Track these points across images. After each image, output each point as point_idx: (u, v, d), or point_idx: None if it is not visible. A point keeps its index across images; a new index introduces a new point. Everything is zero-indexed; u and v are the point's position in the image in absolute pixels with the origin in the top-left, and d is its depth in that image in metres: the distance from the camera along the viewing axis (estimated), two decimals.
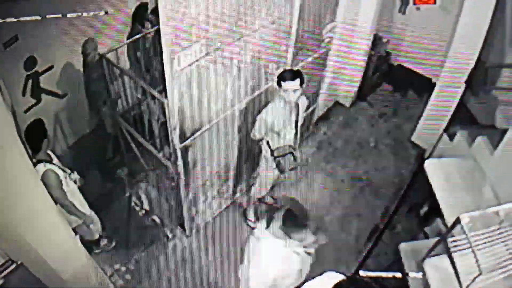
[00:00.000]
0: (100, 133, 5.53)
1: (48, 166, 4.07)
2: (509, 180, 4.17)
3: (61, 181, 4.13)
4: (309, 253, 3.45)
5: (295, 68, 4.70)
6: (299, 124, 4.61)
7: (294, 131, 4.60)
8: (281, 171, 4.63)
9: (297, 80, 4.17)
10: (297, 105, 4.43)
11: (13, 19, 3.79)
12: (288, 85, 4.17)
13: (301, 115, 4.59)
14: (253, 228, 5.18)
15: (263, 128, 4.46)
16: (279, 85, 4.22)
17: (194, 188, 4.87)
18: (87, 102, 5.38)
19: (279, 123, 4.42)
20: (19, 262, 3.64)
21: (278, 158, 4.54)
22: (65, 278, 3.91)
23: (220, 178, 5.14)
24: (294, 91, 4.19)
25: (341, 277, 2.85)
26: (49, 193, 3.80)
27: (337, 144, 6.14)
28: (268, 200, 5.43)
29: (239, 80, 4.40)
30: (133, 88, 5.12)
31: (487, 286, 3.56)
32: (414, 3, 5.68)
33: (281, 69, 4.55)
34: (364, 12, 5.65)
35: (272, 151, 4.55)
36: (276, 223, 3.35)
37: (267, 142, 4.58)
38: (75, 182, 4.40)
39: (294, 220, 3.34)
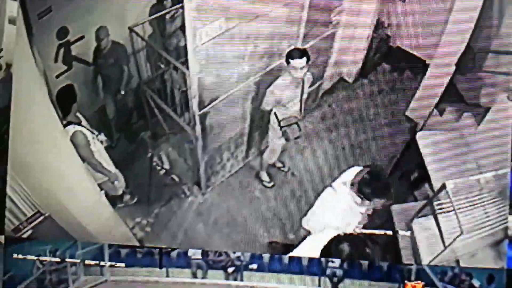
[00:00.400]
0: (123, 102, 5.54)
1: (77, 127, 4.15)
2: (490, 152, 4.25)
3: (88, 141, 4.21)
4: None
5: (303, 47, 4.75)
6: (304, 98, 4.70)
7: (299, 104, 4.69)
8: (287, 139, 4.73)
9: (304, 59, 4.26)
10: (302, 81, 4.51)
11: None
12: (296, 62, 4.24)
13: (306, 90, 4.68)
14: (269, 187, 5.22)
15: (272, 100, 4.55)
16: (287, 62, 4.29)
17: (210, 151, 4.97)
18: (94, 88, 5.26)
19: (286, 96, 4.51)
20: (47, 214, 3.76)
21: (284, 128, 4.63)
22: (90, 229, 4.04)
23: (234, 143, 5.24)
24: (301, 68, 4.27)
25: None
26: (78, 152, 3.91)
27: (340, 116, 6.13)
28: (278, 164, 5.48)
29: (254, 55, 4.47)
30: (156, 59, 5.16)
31: (467, 244, 3.69)
32: None
33: (292, 47, 4.61)
34: None
35: (279, 121, 4.64)
36: (364, 185, 3.46)
37: (275, 113, 4.66)
38: (101, 142, 4.47)
39: (382, 190, 3.45)
